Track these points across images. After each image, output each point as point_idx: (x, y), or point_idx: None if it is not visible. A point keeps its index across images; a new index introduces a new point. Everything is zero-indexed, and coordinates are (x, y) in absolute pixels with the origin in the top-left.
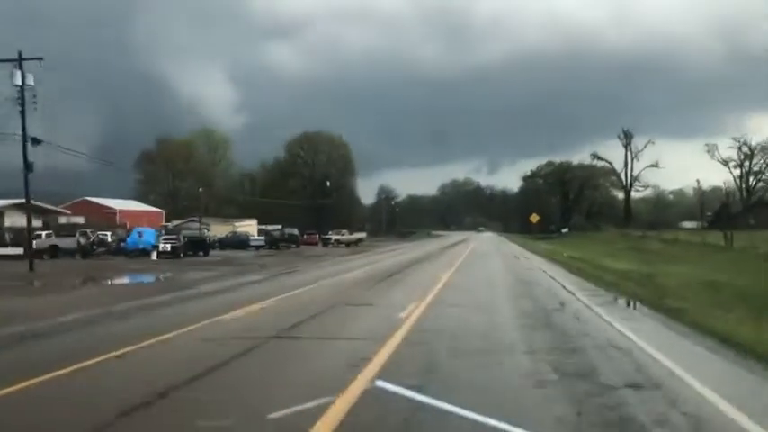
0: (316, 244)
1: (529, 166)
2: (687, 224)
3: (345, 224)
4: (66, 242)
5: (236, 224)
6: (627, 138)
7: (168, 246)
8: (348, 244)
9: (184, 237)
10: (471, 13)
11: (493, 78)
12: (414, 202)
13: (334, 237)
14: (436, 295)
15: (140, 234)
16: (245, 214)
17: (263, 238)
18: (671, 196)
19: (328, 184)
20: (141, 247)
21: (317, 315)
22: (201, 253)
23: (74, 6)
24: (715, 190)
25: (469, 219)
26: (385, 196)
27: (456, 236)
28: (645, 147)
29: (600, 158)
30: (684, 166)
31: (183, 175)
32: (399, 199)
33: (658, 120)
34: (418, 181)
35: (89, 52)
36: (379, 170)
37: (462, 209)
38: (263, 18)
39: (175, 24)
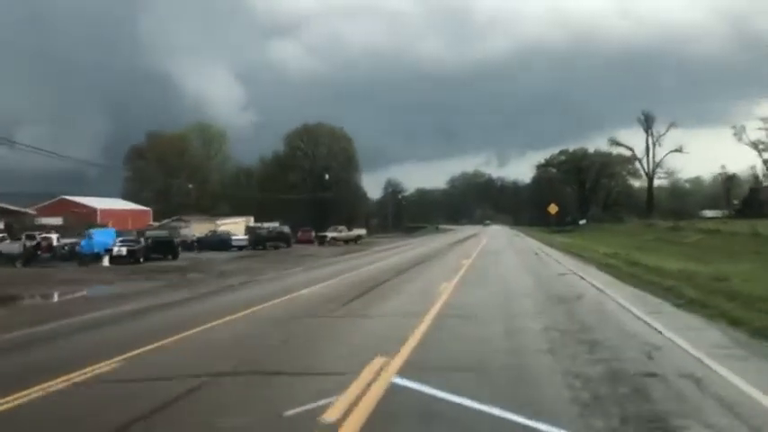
0: (311, 242)
1: (539, 157)
2: (709, 213)
3: (350, 220)
4: (13, 247)
5: (219, 222)
6: (647, 121)
7: (124, 249)
8: (346, 241)
9: (148, 238)
10: (476, 5)
11: (500, 71)
12: (423, 196)
13: (331, 234)
14: (418, 345)
15: (90, 236)
16: (241, 211)
17: (246, 237)
18: (687, 185)
19: (327, 176)
20: (96, 250)
21: None
22: (171, 256)
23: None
24: (733, 177)
25: (480, 212)
26: (392, 190)
27: (466, 230)
28: (667, 130)
29: (619, 144)
30: (698, 154)
31: (175, 170)
32: (408, 193)
33: (668, 109)
34: (428, 175)
35: (89, 51)
36: (388, 165)
37: (473, 202)
38: (265, 15)
39: (176, 21)
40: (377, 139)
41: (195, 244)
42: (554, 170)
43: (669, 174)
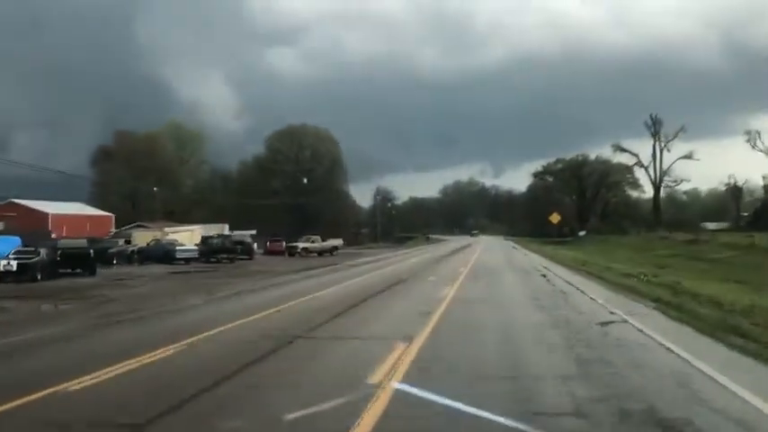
0: (282, 253)
1: (534, 168)
2: (711, 225)
3: (335, 228)
4: None
5: (168, 230)
6: (655, 125)
7: (14, 263)
8: (321, 253)
9: (58, 249)
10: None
11: (495, 81)
12: (416, 205)
13: (302, 245)
14: None
15: None
16: (218, 218)
17: (195, 248)
18: (684, 196)
19: (305, 180)
20: None
21: None
22: (87, 272)
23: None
24: (741, 188)
25: (473, 221)
26: (381, 198)
27: (459, 241)
28: (675, 135)
29: (623, 149)
30: (694, 166)
31: (145, 173)
32: (400, 202)
33: (664, 121)
34: (425, 185)
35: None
36: (383, 174)
37: (467, 211)
38: (262, 21)
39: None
40: (373, 148)
41: (135, 255)
42: (551, 179)
43: (677, 182)
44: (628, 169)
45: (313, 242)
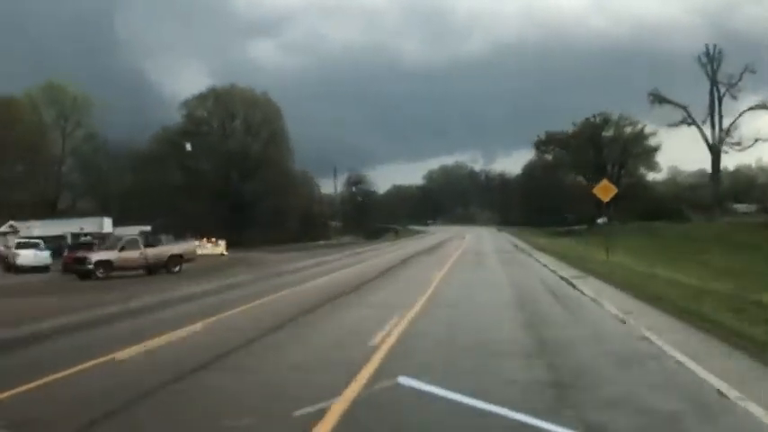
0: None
1: (527, 156)
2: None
3: (277, 222)
4: None
5: None
6: (711, 62)
7: None
8: (150, 269)
9: None
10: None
11: (484, 69)
12: (400, 194)
13: (99, 256)
14: None
15: None
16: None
17: None
18: (689, 178)
19: (189, 146)
20: None
21: None
22: None
23: None
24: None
25: (461, 209)
26: (353, 182)
27: (437, 234)
28: (741, 78)
29: (664, 100)
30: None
31: (3, 151)
32: (382, 191)
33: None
34: (413, 176)
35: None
36: (374, 166)
37: (455, 198)
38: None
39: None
40: (360, 139)
41: None
42: (549, 157)
43: (741, 145)
44: (641, 136)
45: (122, 250)
